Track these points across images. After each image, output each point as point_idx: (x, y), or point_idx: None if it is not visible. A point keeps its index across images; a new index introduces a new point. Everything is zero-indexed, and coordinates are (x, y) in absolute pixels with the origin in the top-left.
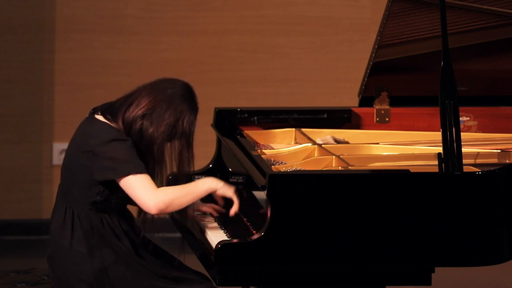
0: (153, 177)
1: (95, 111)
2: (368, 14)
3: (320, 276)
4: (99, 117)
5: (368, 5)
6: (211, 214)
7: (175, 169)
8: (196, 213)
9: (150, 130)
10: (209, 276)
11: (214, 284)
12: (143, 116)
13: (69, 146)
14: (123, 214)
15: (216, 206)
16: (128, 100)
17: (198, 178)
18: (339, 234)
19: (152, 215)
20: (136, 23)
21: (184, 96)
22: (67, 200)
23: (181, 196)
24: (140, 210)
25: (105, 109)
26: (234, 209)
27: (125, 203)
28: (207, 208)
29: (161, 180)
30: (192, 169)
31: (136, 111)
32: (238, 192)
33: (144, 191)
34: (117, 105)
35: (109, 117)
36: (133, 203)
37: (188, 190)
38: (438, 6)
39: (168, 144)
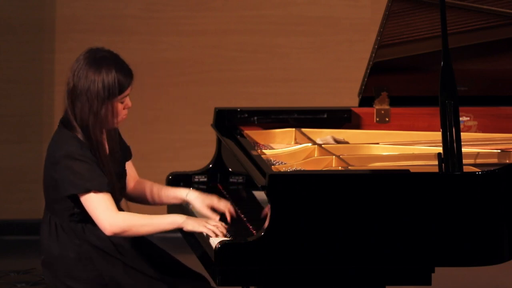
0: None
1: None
2: (368, 14)
3: (320, 276)
4: (62, 127)
5: (368, 5)
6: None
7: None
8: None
9: (85, 112)
10: (208, 277)
11: (215, 284)
12: (74, 106)
13: (45, 159)
14: None
15: (231, 209)
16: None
17: (199, 178)
18: (339, 234)
19: None
20: (136, 23)
21: (88, 64)
22: (50, 211)
23: (140, 225)
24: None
25: (64, 118)
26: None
27: None
28: (223, 207)
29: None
30: (116, 121)
31: (72, 107)
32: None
33: (102, 211)
34: (66, 112)
35: (67, 125)
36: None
37: (151, 221)
38: (438, 6)
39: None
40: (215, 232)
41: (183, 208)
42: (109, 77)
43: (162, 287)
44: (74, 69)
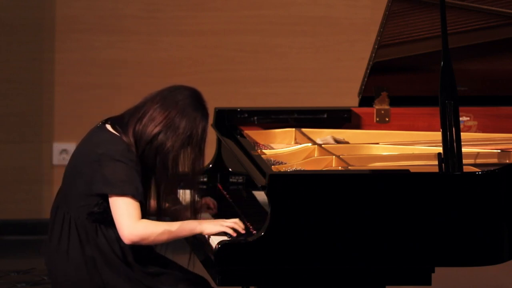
0: (166, 190)
1: (106, 121)
2: (368, 14)
3: (320, 276)
4: (109, 127)
5: (368, 5)
6: (212, 215)
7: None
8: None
9: (168, 144)
10: (208, 277)
11: (215, 284)
12: (159, 132)
13: (75, 153)
14: None
15: (213, 201)
16: (138, 113)
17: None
18: (339, 234)
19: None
20: (136, 23)
21: (195, 105)
22: (66, 206)
23: (160, 233)
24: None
25: (115, 121)
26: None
27: None
28: (204, 199)
29: (174, 191)
30: (202, 175)
31: (151, 127)
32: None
33: (125, 217)
34: (126, 118)
35: (119, 129)
36: None
37: (169, 228)
38: (438, 6)
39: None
40: (235, 228)
41: None
42: (205, 126)
43: None
44: (180, 105)
